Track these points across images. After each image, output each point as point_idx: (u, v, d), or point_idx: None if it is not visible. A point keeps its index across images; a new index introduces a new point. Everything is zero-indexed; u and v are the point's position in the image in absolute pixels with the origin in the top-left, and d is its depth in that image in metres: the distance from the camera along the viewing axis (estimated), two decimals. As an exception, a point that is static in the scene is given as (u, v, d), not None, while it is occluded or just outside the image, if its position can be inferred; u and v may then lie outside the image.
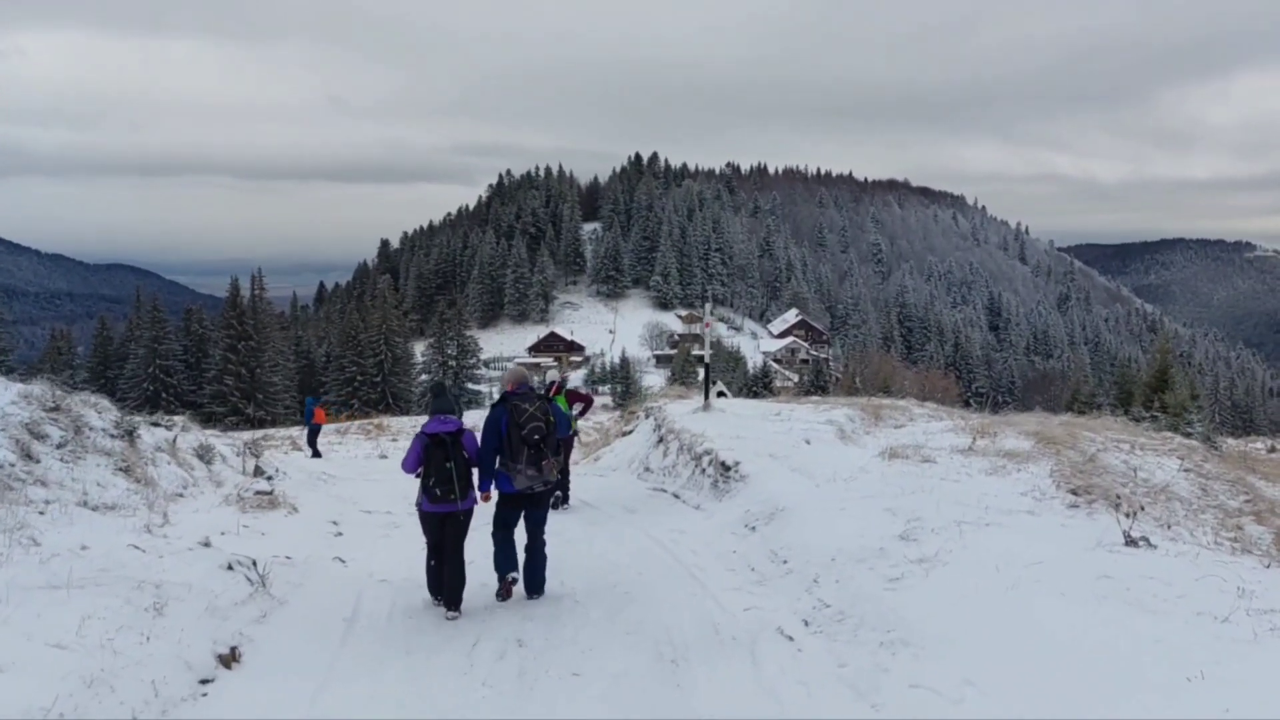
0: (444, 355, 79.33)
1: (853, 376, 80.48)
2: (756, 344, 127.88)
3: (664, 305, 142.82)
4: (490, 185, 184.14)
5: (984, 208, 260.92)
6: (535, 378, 14.16)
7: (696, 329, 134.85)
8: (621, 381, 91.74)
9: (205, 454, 11.47)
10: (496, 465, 7.06)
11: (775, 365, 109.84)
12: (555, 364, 17.72)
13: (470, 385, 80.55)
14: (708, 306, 14.96)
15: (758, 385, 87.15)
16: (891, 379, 64.68)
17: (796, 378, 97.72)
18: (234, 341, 62.90)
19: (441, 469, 6.77)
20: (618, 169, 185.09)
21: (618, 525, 9.77)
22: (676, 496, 10.70)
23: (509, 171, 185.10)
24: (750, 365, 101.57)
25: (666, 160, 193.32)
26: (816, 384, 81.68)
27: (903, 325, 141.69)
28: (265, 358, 64.79)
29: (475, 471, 7.02)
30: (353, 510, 11.30)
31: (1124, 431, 10.51)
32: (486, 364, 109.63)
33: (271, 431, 38.45)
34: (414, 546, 7.82)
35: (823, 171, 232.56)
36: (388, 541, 9.54)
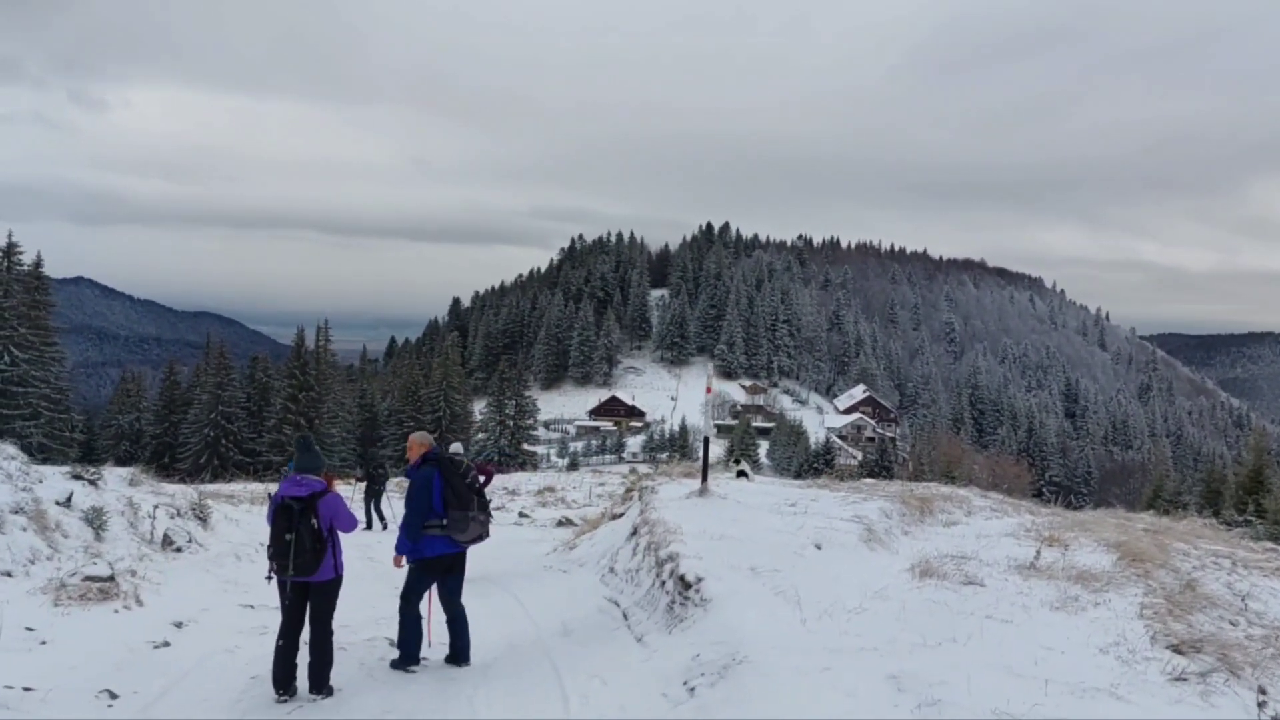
0: (502, 414, 78.88)
1: (919, 457, 77.90)
2: (821, 419, 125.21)
3: (728, 374, 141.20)
4: (562, 249, 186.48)
5: (1062, 291, 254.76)
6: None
7: (760, 400, 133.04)
8: (680, 450, 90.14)
9: (95, 518, 9.76)
10: (428, 527, 6.80)
11: (839, 442, 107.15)
12: (459, 442, 17.72)
13: (526, 446, 79.83)
14: (709, 366, 13.11)
15: (819, 461, 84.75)
16: (959, 462, 62.16)
17: (860, 456, 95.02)
18: (295, 391, 63.24)
19: (280, 540, 6.01)
20: (688, 237, 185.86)
21: (521, 663, 7.24)
22: (625, 617, 8.27)
23: (580, 236, 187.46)
24: (813, 440, 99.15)
25: (738, 230, 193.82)
26: (881, 463, 79.09)
27: (974, 407, 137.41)
28: (325, 409, 64.96)
29: (344, 537, 6.50)
30: (233, 602, 9.18)
31: (1219, 540, 8.90)
32: (546, 425, 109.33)
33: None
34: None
35: (896, 247, 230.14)
36: (232, 658, 7.26)
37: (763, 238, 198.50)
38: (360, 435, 73.71)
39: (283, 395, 63.70)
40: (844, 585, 6.73)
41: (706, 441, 12.14)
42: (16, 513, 8.98)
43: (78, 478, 10.74)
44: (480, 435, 79.10)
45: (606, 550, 11.07)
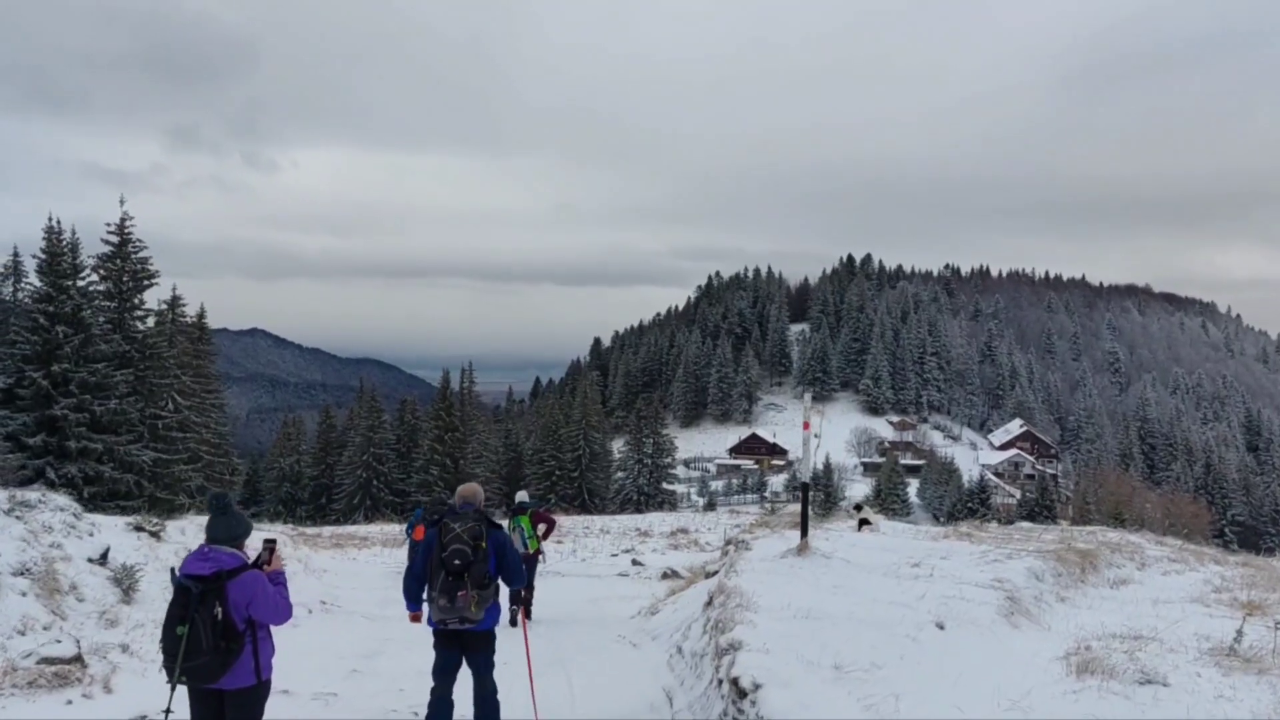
0: (640, 453, 78.72)
1: (1084, 496, 72.89)
2: (975, 455, 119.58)
3: (874, 410, 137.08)
4: (699, 286, 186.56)
5: (1238, 316, 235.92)
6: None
7: (909, 436, 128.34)
8: (823, 489, 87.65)
9: (125, 577, 8.88)
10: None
11: (995, 479, 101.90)
12: (525, 489, 16.49)
13: (665, 485, 79.27)
14: (807, 396, 11.27)
15: (973, 501, 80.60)
16: (1129, 502, 57.65)
17: (1019, 494, 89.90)
18: (441, 432, 64.94)
19: (169, 634, 4.49)
20: (828, 270, 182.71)
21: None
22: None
23: (718, 273, 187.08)
24: (966, 478, 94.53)
25: (880, 261, 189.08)
26: (1041, 503, 74.45)
27: (1144, 442, 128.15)
28: (470, 449, 66.41)
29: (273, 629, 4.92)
30: None
31: None
32: (686, 464, 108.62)
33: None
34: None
35: (1051, 275, 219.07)
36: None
37: (906, 268, 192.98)
38: (505, 475, 75.20)
39: (430, 437, 65.51)
40: (968, 690, 4.95)
41: (805, 489, 10.53)
42: (20, 574, 7.98)
43: (139, 529, 10.40)
44: (619, 474, 79.16)
45: (682, 622, 9.33)
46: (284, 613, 4.76)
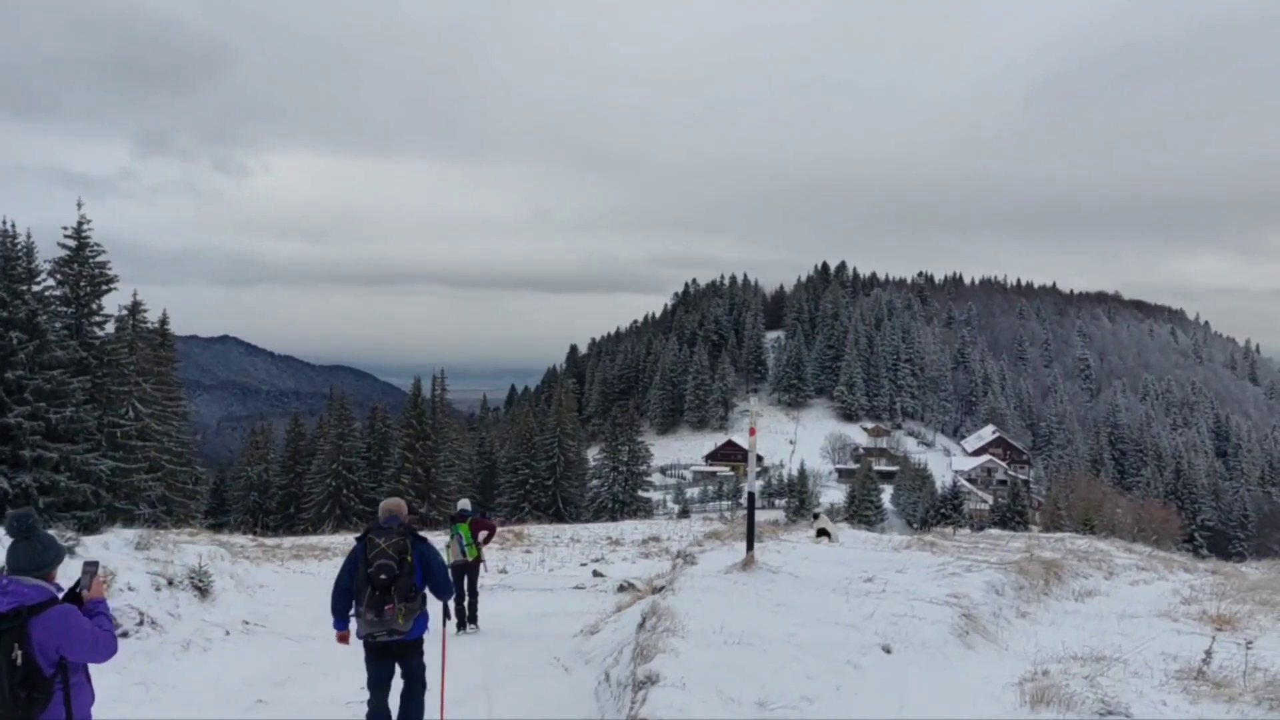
0: (616, 460, 78.32)
1: (1055, 501, 73.22)
2: (948, 461, 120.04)
3: (848, 417, 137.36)
4: (675, 293, 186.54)
5: (1207, 323, 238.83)
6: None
7: (883, 442, 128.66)
8: (798, 495, 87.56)
9: None
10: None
11: (968, 485, 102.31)
12: (467, 499, 16.43)
13: (640, 493, 78.91)
14: (753, 399, 10.71)
15: (946, 506, 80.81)
16: (1100, 507, 57.87)
17: (991, 500, 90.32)
18: (412, 440, 64.21)
19: None
20: (803, 278, 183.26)
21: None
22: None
23: (694, 280, 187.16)
24: (940, 484, 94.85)
25: (855, 269, 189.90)
26: (1014, 508, 74.71)
27: (1114, 447, 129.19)
28: (441, 457, 65.72)
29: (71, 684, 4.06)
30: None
31: None
32: (662, 470, 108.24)
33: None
34: None
35: (1023, 282, 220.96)
36: None
37: (881, 276, 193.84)
38: (479, 483, 74.52)
39: (400, 445, 64.76)
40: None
41: (751, 499, 9.95)
42: None
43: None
44: (595, 482, 78.74)
45: (617, 645, 8.52)
46: (104, 648, 4.04)
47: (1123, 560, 10.82)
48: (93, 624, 4.01)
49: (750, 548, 9.42)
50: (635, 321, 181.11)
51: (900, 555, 10.13)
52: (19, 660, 3.74)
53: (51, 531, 3.94)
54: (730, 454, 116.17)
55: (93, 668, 4.14)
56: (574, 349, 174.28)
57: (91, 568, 4.19)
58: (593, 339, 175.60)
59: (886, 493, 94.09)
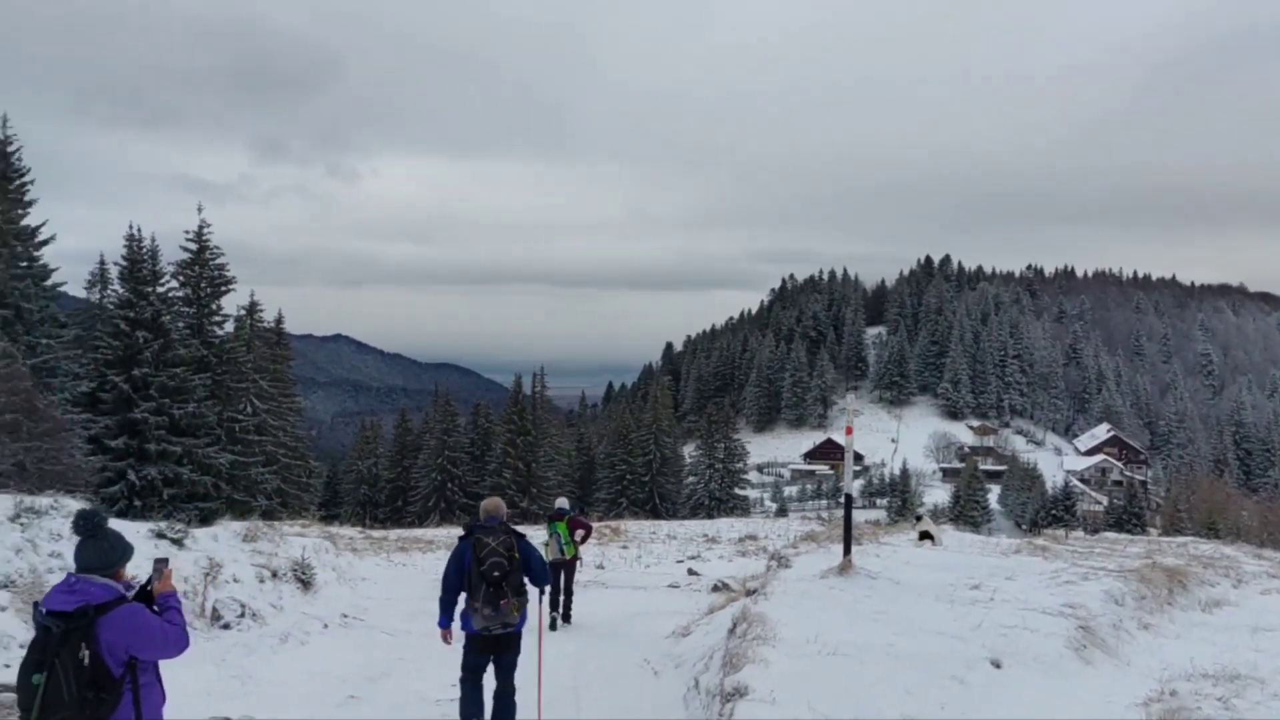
0: (712, 457, 78.13)
1: (1175, 504, 69.78)
2: (1059, 461, 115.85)
3: (953, 414, 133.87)
4: (772, 289, 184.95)
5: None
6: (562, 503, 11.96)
7: (989, 441, 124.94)
8: (900, 495, 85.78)
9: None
10: (460, 603, 6.35)
11: (1080, 486, 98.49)
12: (565, 497, 16.21)
13: (737, 491, 78.53)
14: (850, 397, 10.13)
15: (1057, 508, 77.96)
16: (1224, 510, 54.94)
17: (1106, 501, 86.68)
18: (514, 436, 65.41)
19: (24, 684, 3.71)
20: (905, 272, 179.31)
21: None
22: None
23: (792, 276, 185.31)
24: (1050, 484, 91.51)
25: (959, 263, 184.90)
26: (1130, 510, 71.56)
27: (1239, 447, 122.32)
28: (541, 453, 66.76)
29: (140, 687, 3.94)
30: (207, 712, 6.64)
31: None
32: (759, 469, 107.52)
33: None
34: None
35: (1140, 274, 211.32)
36: None
37: (987, 269, 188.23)
38: (578, 479, 75.50)
39: (502, 440, 66.06)
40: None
41: (848, 500, 9.52)
42: (3, 586, 7.37)
43: (160, 536, 9.90)
44: (691, 479, 78.75)
45: (708, 649, 8.13)
46: (174, 643, 3.95)
47: (1251, 567, 10.20)
48: (162, 619, 3.97)
49: (847, 551, 9.11)
50: (731, 318, 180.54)
51: (1009, 560, 9.59)
52: (86, 660, 3.67)
53: (114, 526, 3.91)
54: (829, 452, 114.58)
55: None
56: (669, 346, 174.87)
57: (161, 564, 4.19)
58: (688, 336, 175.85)
59: (993, 493, 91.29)
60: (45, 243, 29.23)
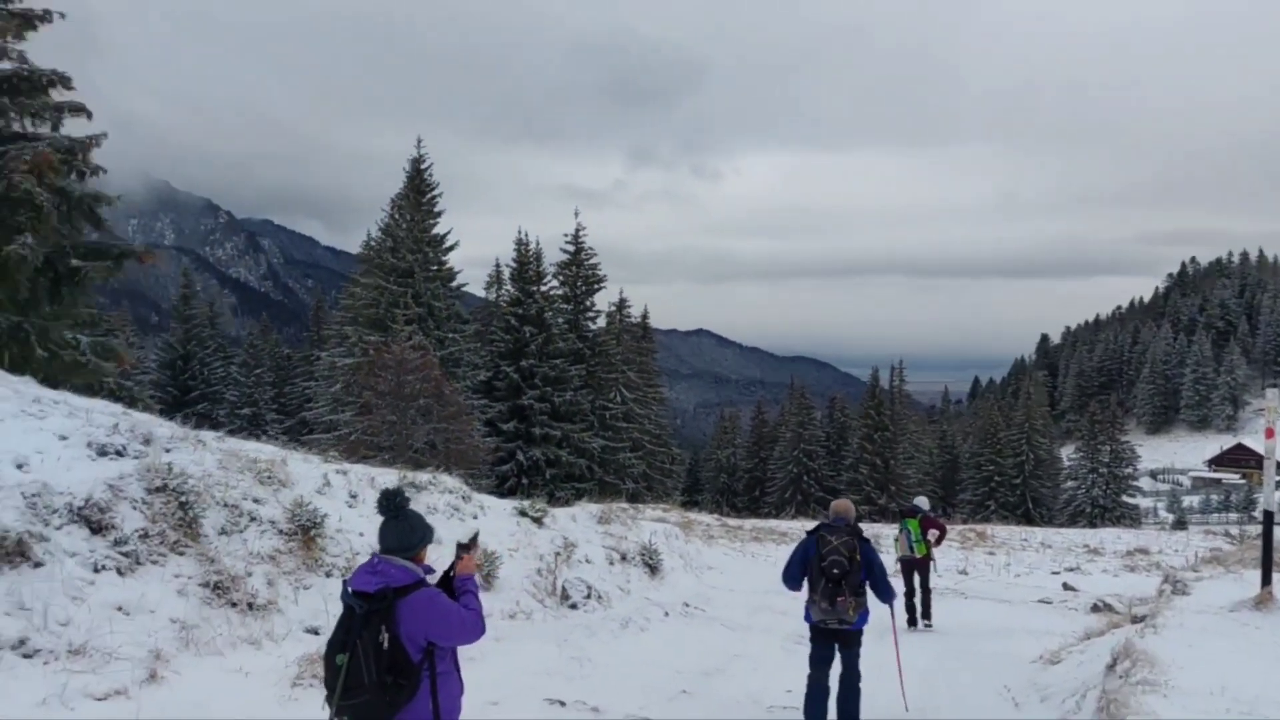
0: (1095, 461, 71.05)
1: None
2: None
3: None
4: (1169, 274, 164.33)
5: None
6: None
7: None
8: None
9: (485, 564, 8.46)
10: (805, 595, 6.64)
11: None
12: (924, 495, 14.49)
13: (1125, 498, 70.79)
14: (1271, 394, 8.00)
15: None
16: None
17: None
18: (870, 431, 64.11)
19: (329, 663, 3.68)
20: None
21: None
22: None
23: (1193, 259, 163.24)
24: None
25: None
26: None
27: None
28: (900, 449, 64.85)
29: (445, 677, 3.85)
30: (537, 696, 6.84)
31: None
32: (1152, 475, 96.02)
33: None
34: None
35: None
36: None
37: None
38: (940, 478, 72.33)
39: (858, 435, 65.08)
40: None
41: (1268, 517, 7.83)
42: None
43: (522, 514, 10.22)
44: (1069, 483, 72.36)
45: (1081, 685, 6.92)
46: (470, 629, 3.85)
47: None
48: (459, 604, 3.88)
49: (1267, 580, 7.67)
50: (1119, 308, 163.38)
51: None
52: (386, 644, 3.61)
53: (409, 511, 3.92)
54: (1240, 459, 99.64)
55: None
56: (1045, 339, 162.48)
57: (466, 546, 4.06)
58: (1067, 327, 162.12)
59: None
60: (451, 248, 33.42)
